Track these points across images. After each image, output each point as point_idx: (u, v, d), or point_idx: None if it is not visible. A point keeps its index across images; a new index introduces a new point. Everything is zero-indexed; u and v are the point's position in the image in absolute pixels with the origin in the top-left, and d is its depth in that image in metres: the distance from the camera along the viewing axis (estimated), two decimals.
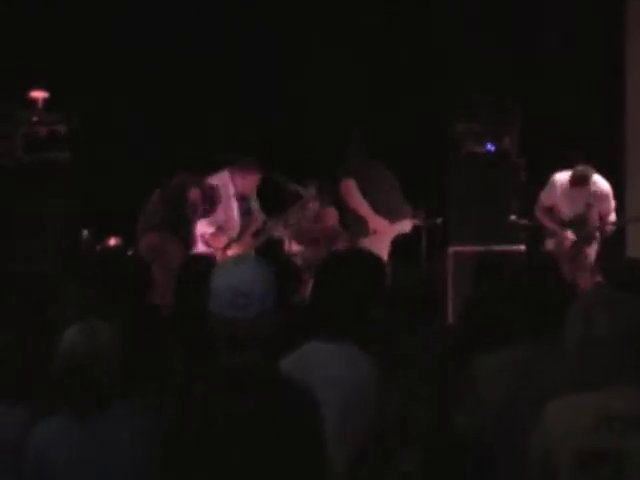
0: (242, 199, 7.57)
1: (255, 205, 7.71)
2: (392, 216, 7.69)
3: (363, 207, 7.61)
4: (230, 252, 7.32)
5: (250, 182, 7.54)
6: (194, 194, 7.26)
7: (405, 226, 7.79)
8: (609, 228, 7.92)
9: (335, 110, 9.30)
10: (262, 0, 9.44)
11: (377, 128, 8.77)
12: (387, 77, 9.54)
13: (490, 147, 8.80)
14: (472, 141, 8.86)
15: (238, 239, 7.46)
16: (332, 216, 8.59)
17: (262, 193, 7.85)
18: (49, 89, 8.49)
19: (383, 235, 7.58)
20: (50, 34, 9.18)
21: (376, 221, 7.61)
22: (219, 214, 7.41)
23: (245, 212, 7.60)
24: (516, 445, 2.81)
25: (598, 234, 7.92)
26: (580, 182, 7.86)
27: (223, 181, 7.48)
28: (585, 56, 8.84)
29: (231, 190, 7.51)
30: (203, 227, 7.28)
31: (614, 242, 8.17)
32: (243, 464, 2.60)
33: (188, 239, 7.15)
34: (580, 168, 7.85)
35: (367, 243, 7.33)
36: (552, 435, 2.58)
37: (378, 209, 7.63)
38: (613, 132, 8.89)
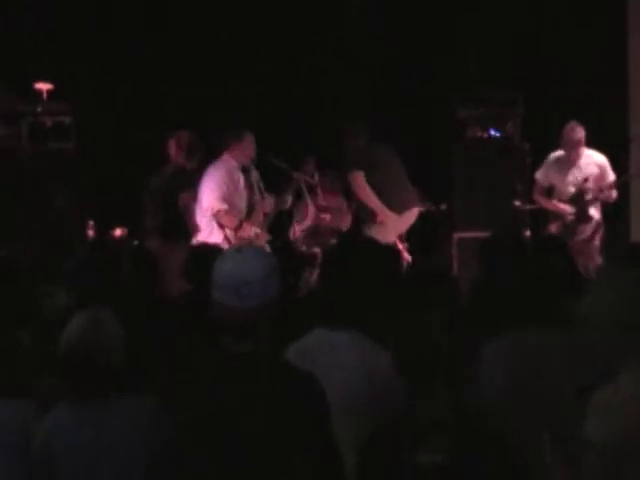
0: (244, 171, 7.58)
1: (256, 177, 7.71)
2: (400, 205, 7.69)
3: (373, 200, 7.60)
4: (242, 232, 7.35)
5: (249, 149, 7.55)
6: (182, 199, 7.36)
7: (412, 215, 7.79)
8: (608, 194, 7.72)
9: (338, 97, 9.30)
10: None
11: (381, 114, 8.77)
12: (391, 63, 9.53)
13: (494, 132, 8.79)
14: (476, 126, 8.86)
15: (248, 217, 7.49)
16: (337, 201, 8.61)
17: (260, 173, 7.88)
18: (53, 81, 8.51)
19: (391, 224, 7.61)
20: (54, 26, 9.18)
21: (385, 214, 7.61)
22: (229, 191, 7.41)
23: (249, 185, 7.61)
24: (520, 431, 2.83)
25: (597, 209, 7.78)
26: (571, 139, 7.67)
27: (226, 165, 7.48)
28: (588, 40, 8.81)
29: (235, 168, 7.50)
30: (217, 203, 7.29)
31: (618, 225, 8.13)
32: (245, 452, 2.60)
33: (187, 240, 7.20)
34: (571, 124, 7.77)
35: (375, 231, 7.36)
36: None
37: (386, 199, 7.62)
38: (618, 117, 8.87)
